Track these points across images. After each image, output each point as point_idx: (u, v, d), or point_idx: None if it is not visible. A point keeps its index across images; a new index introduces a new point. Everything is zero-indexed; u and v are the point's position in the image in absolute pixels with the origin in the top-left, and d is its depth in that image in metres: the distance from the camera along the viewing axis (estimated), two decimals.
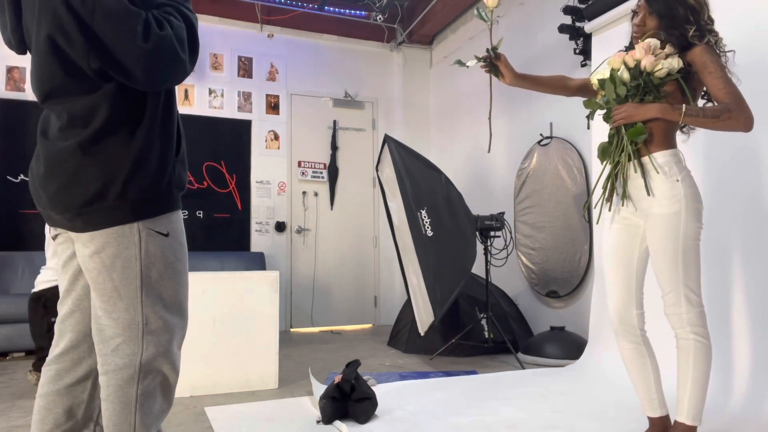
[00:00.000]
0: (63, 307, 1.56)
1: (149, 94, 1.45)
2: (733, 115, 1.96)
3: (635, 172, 2.09)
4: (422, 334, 4.03)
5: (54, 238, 1.58)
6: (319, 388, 2.99)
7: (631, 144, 2.08)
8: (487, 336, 4.18)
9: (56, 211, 1.43)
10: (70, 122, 1.40)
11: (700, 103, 2.19)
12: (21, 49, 1.52)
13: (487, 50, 2.29)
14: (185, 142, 1.59)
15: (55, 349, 1.55)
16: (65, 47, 1.36)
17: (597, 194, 2.24)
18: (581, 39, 4.18)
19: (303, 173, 6.13)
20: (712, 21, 2.12)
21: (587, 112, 2.31)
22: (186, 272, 1.55)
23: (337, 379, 2.66)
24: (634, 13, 2.22)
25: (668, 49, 2.08)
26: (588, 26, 3.99)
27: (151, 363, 1.45)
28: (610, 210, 2.23)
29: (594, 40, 3.98)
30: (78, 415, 1.53)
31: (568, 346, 3.93)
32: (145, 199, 1.44)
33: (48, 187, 1.42)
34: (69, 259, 1.55)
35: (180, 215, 1.55)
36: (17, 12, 1.46)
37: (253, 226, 5.89)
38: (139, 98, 1.43)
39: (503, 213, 4.38)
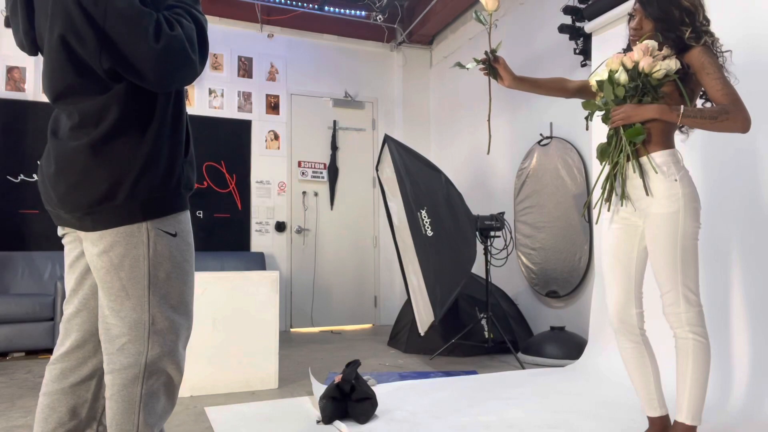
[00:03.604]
0: (69, 307, 1.57)
1: (159, 94, 1.46)
2: (731, 116, 1.97)
3: (634, 172, 2.10)
4: (422, 334, 4.04)
5: (62, 237, 1.59)
6: (319, 388, 3.00)
7: (630, 144, 2.09)
8: (487, 336, 4.19)
9: (66, 210, 1.45)
10: (81, 122, 1.41)
11: (699, 103, 2.20)
12: (33, 50, 1.53)
13: (486, 53, 2.29)
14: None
15: (60, 348, 1.55)
16: (77, 48, 1.37)
17: (596, 194, 2.25)
18: (581, 39, 4.18)
19: (303, 173, 6.13)
20: (708, 22, 2.13)
21: (586, 112, 2.32)
22: (193, 273, 1.56)
23: (337, 379, 2.66)
24: (631, 16, 2.23)
25: (666, 50, 2.09)
26: (588, 26, 3.99)
27: (156, 363, 1.46)
28: (609, 210, 2.23)
29: (594, 40, 3.98)
30: (82, 414, 1.53)
31: (568, 346, 3.93)
32: (154, 199, 1.45)
33: (58, 186, 1.44)
34: (77, 259, 1.56)
35: (188, 216, 1.56)
36: (30, 14, 1.48)
37: (253, 226, 5.90)
38: (150, 99, 1.45)
39: (503, 213, 4.38)
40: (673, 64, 2.05)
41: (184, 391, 3.13)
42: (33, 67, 5.16)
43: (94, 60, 1.37)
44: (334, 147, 6.27)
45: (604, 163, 2.22)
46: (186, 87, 1.58)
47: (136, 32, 1.33)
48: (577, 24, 4.19)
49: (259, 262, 5.62)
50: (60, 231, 1.59)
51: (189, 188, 1.55)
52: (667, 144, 2.10)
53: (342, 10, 6.21)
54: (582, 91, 2.39)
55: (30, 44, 1.52)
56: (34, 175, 5.05)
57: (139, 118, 1.43)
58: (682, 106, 2.02)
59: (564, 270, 4.38)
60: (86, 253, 1.48)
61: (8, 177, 5.00)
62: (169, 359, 1.48)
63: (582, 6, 4.07)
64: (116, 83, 1.41)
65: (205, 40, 1.48)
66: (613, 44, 3.52)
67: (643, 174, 2.08)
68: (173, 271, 1.49)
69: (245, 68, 5.98)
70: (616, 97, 2.12)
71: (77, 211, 1.43)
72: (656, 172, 2.06)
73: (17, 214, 5.01)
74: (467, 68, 2.33)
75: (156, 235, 1.46)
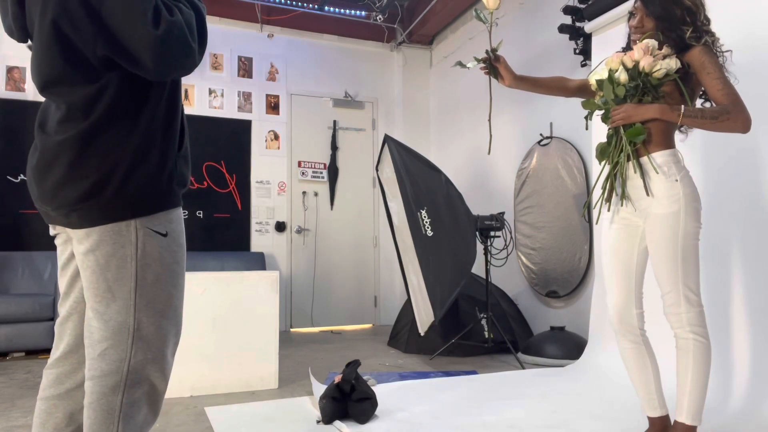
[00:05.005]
0: (62, 310, 1.52)
1: (153, 85, 1.39)
2: (732, 116, 1.96)
3: (634, 172, 2.09)
4: (422, 334, 4.04)
5: (54, 238, 1.54)
6: (319, 388, 2.99)
7: (630, 144, 2.08)
8: (487, 336, 4.19)
9: (52, 206, 1.39)
10: (69, 114, 1.34)
11: (698, 103, 2.20)
12: (23, 36, 1.45)
13: (487, 52, 2.29)
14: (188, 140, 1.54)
15: (55, 353, 1.51)
16: (70, 33, 1.31)
17: (596, 194, 2.24)
18: (581, 39, 4.18)
19: (303, 173, 6.13)
20: (708, 21, 2.12)
21: (586, 112, 2.31)
22: (183, 275, 1.49)
23: (337, 379, 2.66)
24: (631, 14, 2.23)
25: (666, 49, 2.08)
26: (588, 26, 3.99)
27: (139, 371, 1.39)
28: (609, 210, 2.23)
29: (594, 40, 3.98)
30: (79, 420, 1.48)
31: (568, 346, 3.93)
32: (144, 196, 1.38)
33: (44, 181, 1.38)
34: (68, 260, 1.51)
35: (180, 213, 1.49)
36: None
37: (253, 226, 5.90)
38: (143, 89, 1.38)
39: (503, 213, 4.38)
40: (673, 63, 2.05)
41: (184, 391, 3.13)
42: None
43: (88, 47, 1.31)
44: (334, 147, 6.27)
45: (603, 162, 2.22)
46: (183, 80, 1.51)
47: (134, 17, 1.26)
48: (577, 24, 4.19)
49: (259, 262, 5.62)
50: (52, 231, 1.53)
51: (182, 184, 1.48)
52: (668, 144, 2.10)
53: (342, 10, 6.21)
54: (582, 90, 2.38)
55: (19, 30, 1.43)
56: None
57: (131, 109, 1.36)
58: (682, 106, 2.02)
59: (564, 270, 4.38)
60: (75, 253, 1.42)
61: (8, 177, 5.00)
62: (153, 367, 1.41)
63: (582, 6, 4.07)
64: (108, 72, 1.33)
65: (204, 28, 1.42)
66: (613, 44, 3.51)
67: (643, 174, 2.08)
68: (162, 273, 1.41)
69: (245, 68, 5.98)
70: (616, 97, 2.12)
71: (63, 207, 1.36)
72: (657, 172, 2.05)
73: (17, 214, 5.01)
74: (468, 67, 2.32)
75: (145, 235, 1.38)
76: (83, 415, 1.39)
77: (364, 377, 2.85)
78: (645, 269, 2.21)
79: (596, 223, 2.39)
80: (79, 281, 1.49)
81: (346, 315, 6.19)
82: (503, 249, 4.38)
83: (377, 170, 4.51)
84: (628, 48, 2.26)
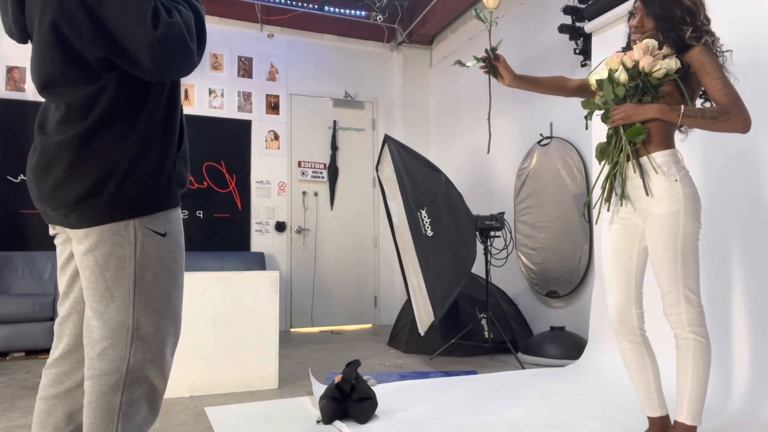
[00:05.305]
0: (61, 309, 1.53)
1: (152, 86, 1.40)
2: (731, 116, 1.96)
3: (634, 172, 2.09)
4: (422, 334, 4.04)
5: (53, 237, 1.55)
6: (319, 388, 2.99)
7: (630, 144, 2.08)
8: (487, 336, 4.18)
9: (52, 206, 1.40)
10: (68, 115, 1.35)
11: (698, 103, 2.20)
12: (22, 37, 1.46)
13: (486, 51, 2.29)
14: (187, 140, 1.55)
15: (54, 352, 1.51)
16: (69, 34, 1.31)
17: (596, 194, 2.24)
18: (581, 39, 4.18)
19: (303, 173, 6.13)
20: (708, 21, 2.12)
21: (586, 112, 2.31)
22: (182, 275, 1.50)
23: (337, 379, 2.66)
24: (631, 14, 2.23)
25: (666, 49, 2.08)
26: (588, 26, 3.99)
27: (139, 370, 1.39)
28: (608, 210, 2.23)
29: (594, 40, 3.98)
30: (79, 419, 1.49)
31: (568, 346, 3.93)
32: (143, 196, 1.39)
33: (44, 182, 1.38)
34: (68, 260, 1.52)
35: (179, 214, 1.50)
36: None
37: (253, 226, 5.90)
38: (142, 90, 1.39)
39: (503, 213, 4.38)
40: (673, 63, 2.04)
41: (184, 391, 3.13)
42: None
43: (86, 47, 1.31)
44: (334, 147, 6.27)
45: (603, 162, 2.22)
46: (183, 80, 1.52)
47: (133, 18, 1.27)
48: (577, 24, 4.19)
49: (259, 262, 5.62)
50: (51, 230, 1.54)
51: (181, 185, 1.48)
52: (668, 144, 2.10)
53: (342, 10, 6.21)
54: (582, 89, 2.38)
55: (19, 31, 1.44)
56: None
57: (130, 110, 1.37)
58: (682, 106, 2.02)
59: (564, 270, 4.38)
60: (74, 253, 1.43)
61: (8, 177, 5.00)
62: (152, 366, 1.41)
63: (582, 6, 4.07)
64: (107, 72, 1.34)
65: (203, 30, 1.43)
66: (613, 44, 3.51)
67: (643, 174, 2.08)
68: (161, 273, 1.42)
69: (245, 68, 5.98)
70: (615, 97, 2.12)
71: (63, 207, 1.37)
72: (657, 172, 2.05)
73: (17, 214, 5.01)
74: (467, 66, 2.33)
75: (144, 235, 1.39)
76: (83, 414, 1.40)
77: (364, 377, 2.85)
78: (645, 269, 2.20)
79: (596, 223, 2.39)
80: (78, 281, 1.50)
81: (346, 315, 6.19)
82: (503, 249, 4.38)
83: (377, 170, 4.51)
84: (628, 48, 2.26)
